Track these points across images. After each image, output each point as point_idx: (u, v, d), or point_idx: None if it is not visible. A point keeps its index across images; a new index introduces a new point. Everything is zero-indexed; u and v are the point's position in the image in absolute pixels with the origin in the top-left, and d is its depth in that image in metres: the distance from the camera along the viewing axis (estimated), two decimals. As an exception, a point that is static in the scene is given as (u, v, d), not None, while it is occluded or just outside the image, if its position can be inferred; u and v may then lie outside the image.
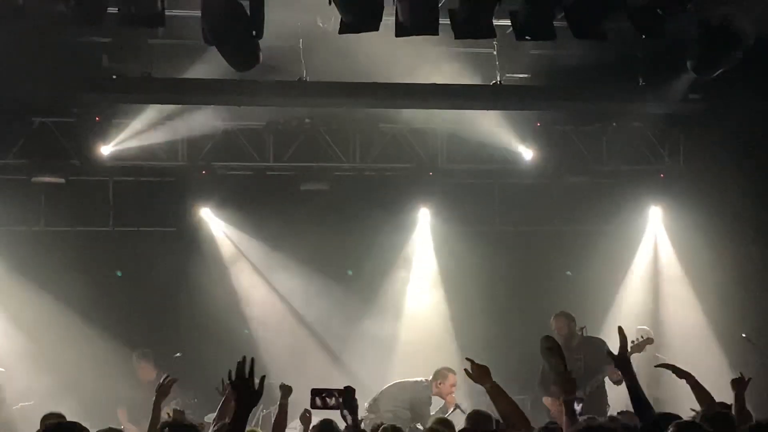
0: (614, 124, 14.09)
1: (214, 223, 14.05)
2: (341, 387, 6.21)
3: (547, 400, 12.10)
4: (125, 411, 12.61)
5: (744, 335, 11.01)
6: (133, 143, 13.07)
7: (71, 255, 13.65)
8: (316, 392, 6.11)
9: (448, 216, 14.43)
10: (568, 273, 14.81)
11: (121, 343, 13.24)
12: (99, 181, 13.85)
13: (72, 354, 13.17)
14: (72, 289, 13.47)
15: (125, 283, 13.67)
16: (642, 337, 12.35)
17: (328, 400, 6.00)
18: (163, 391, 8.18)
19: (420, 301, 14.59)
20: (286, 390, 8.38)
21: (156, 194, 13.87)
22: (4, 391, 12.38)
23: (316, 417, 7.78)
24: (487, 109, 13.11)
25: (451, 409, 11.76)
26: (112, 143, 12.98)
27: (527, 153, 13.87)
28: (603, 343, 12.35)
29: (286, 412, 8.07)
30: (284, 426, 8.14)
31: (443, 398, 12.21)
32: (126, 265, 13.82)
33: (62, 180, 13.30)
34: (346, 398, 5.88)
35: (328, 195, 14.04)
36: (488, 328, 14.18)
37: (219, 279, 14.07)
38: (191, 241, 13.92)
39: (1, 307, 13.05)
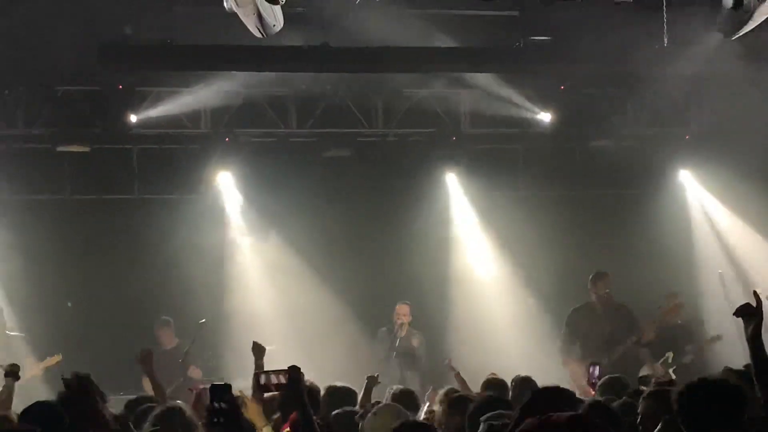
0: (639, 85, 13.94)
1: (237, 190, 14.04)
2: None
3: (570, 366, 12.01)
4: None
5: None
6: (157, 111, 13.09)
7: (97, 223, 13.72)
8: (261, 373, 5.76)
9: (472, 181, 14.36)
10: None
11: (144, 311, 13.28)
12: (123, 149, 13.88)
13: (97, 321, 13.25)
14: (97, 256, 13.56)
15: (150, 250, 13.69)
16: (669, 303, 12.26)
17: (273, 378, 5.66)
18: (144, 361, 8.20)
19: (447, 267, 14.53)
20: (259, 351, 8.04)
21: (180, 162, 13.88)
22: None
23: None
24: (511, 72, 13.02)
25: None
26: (136, 111, 13.00)
27: (551, 116, 13.76)
28: (630, 310, 12.32)
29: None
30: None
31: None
32: (150, 232, 13.82)
33: (87, 149, 13.34)
34: (292, 377, 5.50)
35: (350, 161, 14.01)
36: (516, 292, 14.17)
37: (241, 246, 14.09)
38: (215, 208, 13.94)
39: (27, 275, 13.10)
